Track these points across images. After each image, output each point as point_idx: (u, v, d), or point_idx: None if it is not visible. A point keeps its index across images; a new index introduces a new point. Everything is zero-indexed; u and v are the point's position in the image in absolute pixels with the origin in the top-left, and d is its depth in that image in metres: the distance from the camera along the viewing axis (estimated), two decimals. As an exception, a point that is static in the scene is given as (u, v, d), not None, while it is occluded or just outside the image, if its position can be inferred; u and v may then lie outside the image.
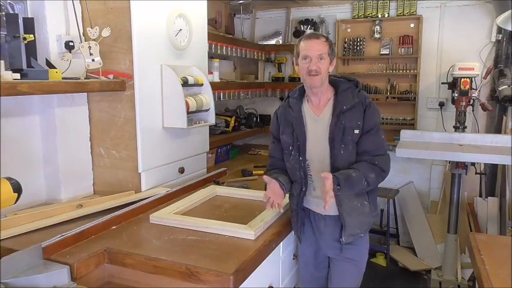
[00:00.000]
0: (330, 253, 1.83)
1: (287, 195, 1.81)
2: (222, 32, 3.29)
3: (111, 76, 1.88)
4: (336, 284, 1.83)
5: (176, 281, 1.38)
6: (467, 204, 3.53)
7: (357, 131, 1.66)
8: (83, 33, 1.90)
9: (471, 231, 3.34)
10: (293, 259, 2.00)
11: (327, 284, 1.89)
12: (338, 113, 1.66)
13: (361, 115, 1.67)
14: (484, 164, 3.36)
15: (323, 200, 1.55)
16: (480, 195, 3.54)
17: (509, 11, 2.34)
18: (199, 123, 2.23)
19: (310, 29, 3.85)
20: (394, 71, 3.68)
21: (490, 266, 1.47)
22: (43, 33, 1.80)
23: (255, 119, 3.70)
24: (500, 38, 3.32)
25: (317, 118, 1.73)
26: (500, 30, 3.28)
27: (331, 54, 1.69)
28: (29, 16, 1.74)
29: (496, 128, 3.44)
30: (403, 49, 3.63)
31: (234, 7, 3.75)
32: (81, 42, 1.84)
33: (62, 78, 1.64)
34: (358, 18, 3.75)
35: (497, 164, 3.38)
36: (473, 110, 3.36)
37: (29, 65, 1.58)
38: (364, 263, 1.86)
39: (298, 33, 3.89)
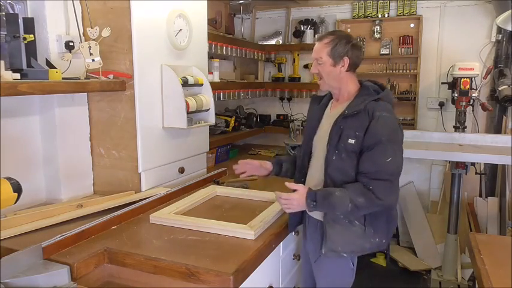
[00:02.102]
0: (312, 258, 1.78)
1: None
2: (222, 32, 3.29)
3: (111, 76, 1.88)
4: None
5: (176, 281, 1.38)
6: (467, 204, 3.53)
7: (351, 141, 1.54)
8: (83, 33, 1.90)
9: (471, 231, 3.34)
10: (293, 259, 2.00)
11: None
12: (339, 117, 1.59)
13: (363, 126, 1.53)
14: (484, 164, 3.36)
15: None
16: (480, 195, 3.54)
17: (509, 11, 2.35)
18: (199, 123, 2.23)
19: (310, 29, 3.85)
20: (394, 71, 3.68)
21: (490, 266, 1.47)
22: (43, 33, 1.80)
23: (255, 119, 3.70)
24: (500, 38, 3.32)
25: (330, 114, 1.70)
26: (500, 30, 3.28)
27: (334, 55, 1.60)
28: (29, 16, 1.74)
29: (496, 128, 3.44)
30: (403, 49, 3.63)
31: (234, 7, 3.74)
32: (81, 42, 1.84)
33: (62, 78, 1.64)
34: (358, 18, 3.75)
35: (497, 164, 3.38)
36: (473, 110, 3.36)
37: (29, 65, 1.58)
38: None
39: (298, 33, 3.89)
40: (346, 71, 1.62)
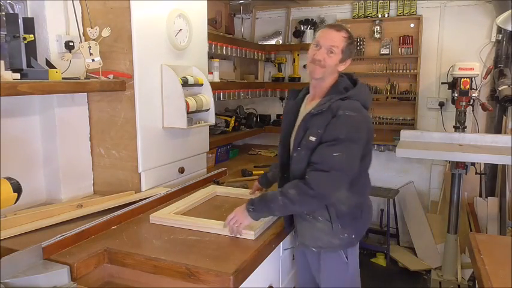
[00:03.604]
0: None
1: None
2: (222, 32, 3.29)
3: (111, 76, 1.88)
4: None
5: (176, 281, 1.38)
6: (467, 204, 3.53)
7: (312, 138, 1.54)
8: (83, 33, 1.90)
9: (471, 231, 3.34)
10: (293, 259, 1.99)
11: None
12: (306, 115, 1.59)
13: (325, 124, 1.52)
14: (484, 164, 3.36)
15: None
16: (480, 195, 3.54)
17: (509, 11, 2.35)
18: (199, 123, 2.23)
19: (310, 29, 3.85)
20: (394, 71, 3.68)
21: (490, 266, 1.47)
22: (43, 33, 1.80)
23: (255, 119, 3.70)
24: (500, 38, 3.32)
25: (303, 111, 1.68)
26: (500, 30, 3.28)
27: (346, 53, 1.58)
28: (29, 16, 1.74)
29: (496, 128, 3.44)
30: (403, 49, 3.63)
31: (234, 7, 3.75)
32: (81, 42, 1.84)
33: (62, 78, 1.64)
34: (358, 18, 3.75)
35: (497, 164, 3.38)
36: (473, 110, 3.36)
37: (29, 65, 1.58)
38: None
39: (298, 33, 3.89)
40: (339, 70, 1.63)
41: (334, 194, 1.56)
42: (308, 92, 1.75)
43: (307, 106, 1.69)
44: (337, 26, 1.63)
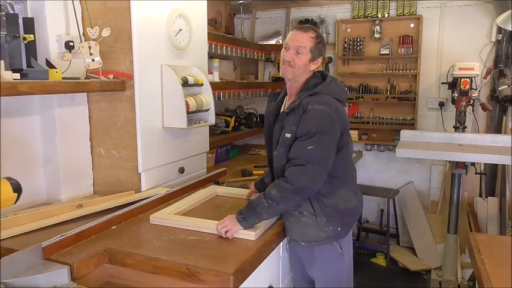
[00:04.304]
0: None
1: None
2: (222, 32, 3.29)
3: (111, 76, 1.88)
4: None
5: (176, 281, 1.38)
6: (467, 204, 3.53)
7: (288, 135, 1.60)
8: (83, 33, 1.90)
9: (471, 231, 3.34)
10: (293, 259, 2.00)
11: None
12: (281, 114, 1.66)
13: (297, 120, 1.59)
14: (484, 164, 3.36)
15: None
16: (480, 195, 3.54)
17: (509, 11, 2.35)
18: (199, 123, 2.23)
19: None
20: (394, 71, 3.68)
21: (490, 266, 1.47)
22: (43, 33, 1.80)
23: (255, 119, 3.70)
24: (500, 38, 3.32)
25: (281, 112, 1.73)
26: (500, 30, 3.28)
27: (315, 52, 1.63)
28: (29, 16, 1.74)
29: (496, 128, 3.44)
30: (403, 49, 3.63)
31: (234, 7, 3.75)
32: (81, 42, 1.84)
33: (62, 78, 1.64)
34: (358, 18, 3.75)
35: (497, 164, 3.38)
36: (473, 110, 3.36)
37: (29, 65, 1.58)
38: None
39: (298, 33, 3.89)
40: (311, 69, 1.67)
41: (314, 186, 1.59)
42: (286, 94, 1.80)
43: (285, 106, 1.74)
44: (304, 28, 1.67)
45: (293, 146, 1.59)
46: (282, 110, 1.73)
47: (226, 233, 1.58)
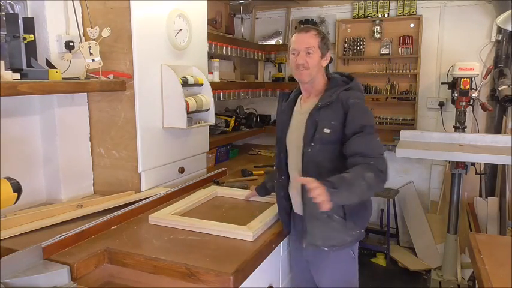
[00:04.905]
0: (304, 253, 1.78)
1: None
2: (222, 32, 3.29)
3: (111, 76, 1.88)
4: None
5: (176, 281, 1.38)
6: (467, 204, 3.53)
7: (327, 131, 1.54)
8: (83, 33, 1.90)
9: (471, 231, 3.34)
10: (293, 259, 2.00)
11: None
12: (313, 110, 1.61)
13: (338, 115, 1.55)
14: (484, 164, 3.36)
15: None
16: (480, 195, 3.54)
17: (509, 11, 2.35)
18: (199, 123, 2.23)
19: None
20: (394, 71, 3.68)
21: (490, 266, 1.47)
22: (43, 33, 1.80)
23: (255, 119, 3.70)
24: (500, 38, 3.32)
25: (301, 110, 1.71)
26: (500, 30, 3.28)
27: (323, 48, 1.63)
28: (29, 16, 1.74)
29: (496, 128, 3.44)
30: (403, 49, 3.63)
31: (234, 7, 3.75)
32: (81, 42, 1.84)
33: (62, 78, 1.64)
34: (358, 18, 3.75)
35: (497, 164, 3.38)
36: (473, 110, 3.36)
37: (29, 65, 1.58)
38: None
39: (298, 33, 3.89)
40: (323, 65, 1.67)
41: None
42: (299, 93, 1.78)
43: (304, 105, 1.71)
44: (304, 28, 1.67)
45: (357, 140, 1.50)
46: (310, 107, 1.63)
47: (320, 201, 1.34)
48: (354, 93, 1.60)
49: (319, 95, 1.66)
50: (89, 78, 1.81)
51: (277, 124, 1.82)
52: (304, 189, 1.59)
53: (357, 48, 3.78)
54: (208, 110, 2.28)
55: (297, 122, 1.70)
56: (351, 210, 1.60)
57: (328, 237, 1.62)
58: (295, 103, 1.77)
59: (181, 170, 2.27)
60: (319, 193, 1.33)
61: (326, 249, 1.63)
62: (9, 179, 1.21)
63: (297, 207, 1.73)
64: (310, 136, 1.59)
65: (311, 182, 1.35)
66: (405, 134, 3.11)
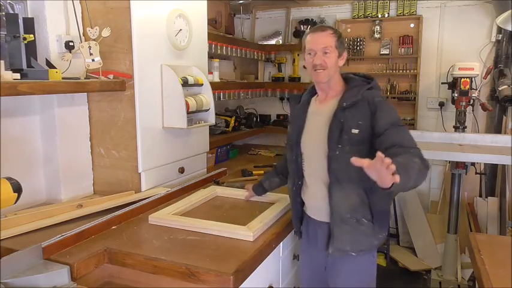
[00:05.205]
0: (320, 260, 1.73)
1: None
2: (222, 32, 3.29)
3: (111, 76, 1.88)
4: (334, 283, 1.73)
5: (176, 281, 1.38)
6: (467, 204, 3.53)
7: (355, 131, 1.50)
8: (83, 33, 1.90)
9: (471, 231, 3.34)
10: (293, 259, 1.99)
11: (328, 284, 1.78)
12: (337, 110, 1.55)
13: (365, 115, 1.52)
14: (484, 164, 3.36)
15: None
16: (480, 195, 3.54)
17: (509, 11, 2.35)
18: (199, 123, 2.23)
19: (310, 29, 3.85)
20: (394, 71, 3.68)
21: (490, 266, 1.47)
22: (43, 33, 1.80)
23: (255, 119, 3.70)
24: (500, 38, 3.32)
25: (318, 111, 1.65)
26: (500, 30, 3.28)
27: (340, 47, 1.59)
28: (29, 16, 1.74)
29: (496, 128, 3.44)
30: (403, 49, 3.63)
31: (234, 7, 3.74)
32: (81, 42, 1.84)
33: (62, 78, 1.64)
34: (358, 18, 3.75)
35: (497, 164, 3.38)
36: (473, 110, 3.36)
37: (29, 65, 1.58)
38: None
39: (298, 33, 3.89)
40: (340, 65, 1.64)
41: None
42: (313, 94, 1.73)
43: (321, 106, 1.66)
44: (320, 27, 1.63)
45: (392, 133, 1.46)
46: (331, 108, 1.59)
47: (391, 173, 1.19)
48: (377, 92, 1.61)
49: (337, 95, 1.62)
50: (89, 78, 1.81)
51: (292, 128, 1.74)
52: (331, 194, 1.57)
53: (357, 48, 3.78)
54: (208, 110, 2.28)
55: (314, 125, 1.64)
56: (377, 213, 1.58)
57: (357, 242, 1.59)
58: (309, 105, 1.72)
59: (181, 170, 2.27)
60: (388, 162, 1.17)
61: (354, 254, 1.60)
62: (9, 179, 1.21)
63: (314, 212, 1.69)
64: (335, 138, 1.53)
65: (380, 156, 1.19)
66: (405, 134, 3.11)
